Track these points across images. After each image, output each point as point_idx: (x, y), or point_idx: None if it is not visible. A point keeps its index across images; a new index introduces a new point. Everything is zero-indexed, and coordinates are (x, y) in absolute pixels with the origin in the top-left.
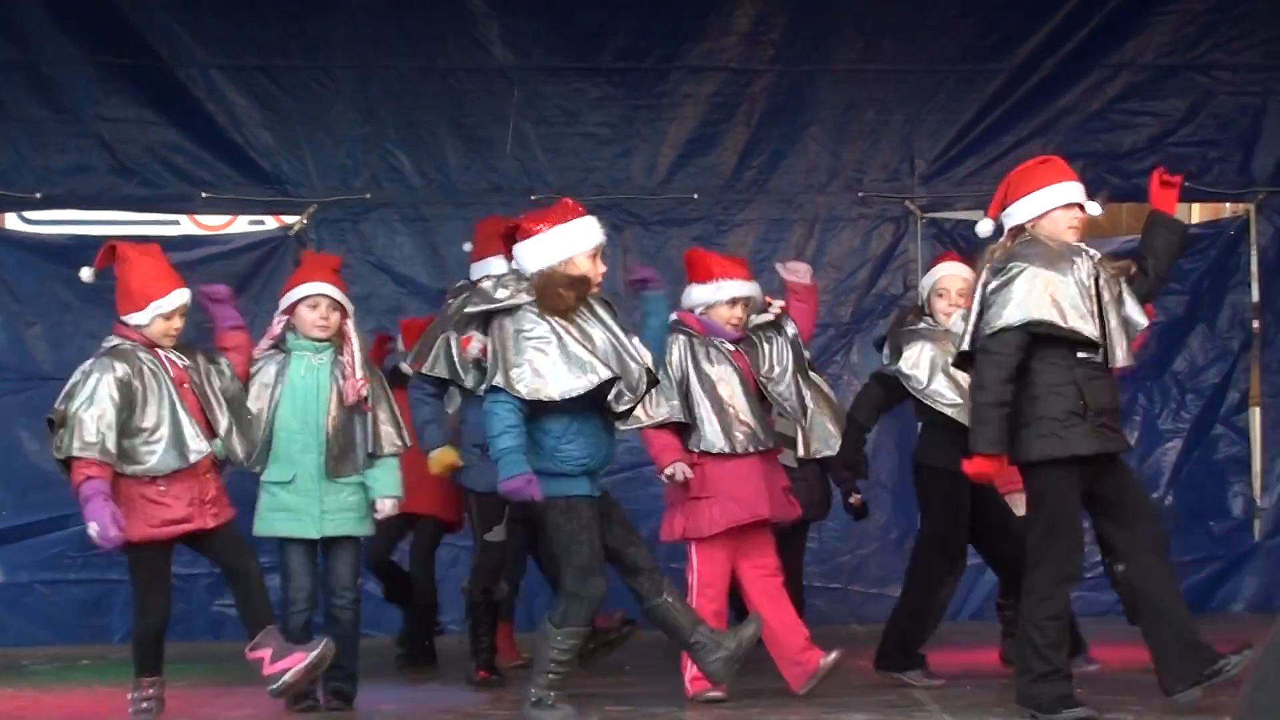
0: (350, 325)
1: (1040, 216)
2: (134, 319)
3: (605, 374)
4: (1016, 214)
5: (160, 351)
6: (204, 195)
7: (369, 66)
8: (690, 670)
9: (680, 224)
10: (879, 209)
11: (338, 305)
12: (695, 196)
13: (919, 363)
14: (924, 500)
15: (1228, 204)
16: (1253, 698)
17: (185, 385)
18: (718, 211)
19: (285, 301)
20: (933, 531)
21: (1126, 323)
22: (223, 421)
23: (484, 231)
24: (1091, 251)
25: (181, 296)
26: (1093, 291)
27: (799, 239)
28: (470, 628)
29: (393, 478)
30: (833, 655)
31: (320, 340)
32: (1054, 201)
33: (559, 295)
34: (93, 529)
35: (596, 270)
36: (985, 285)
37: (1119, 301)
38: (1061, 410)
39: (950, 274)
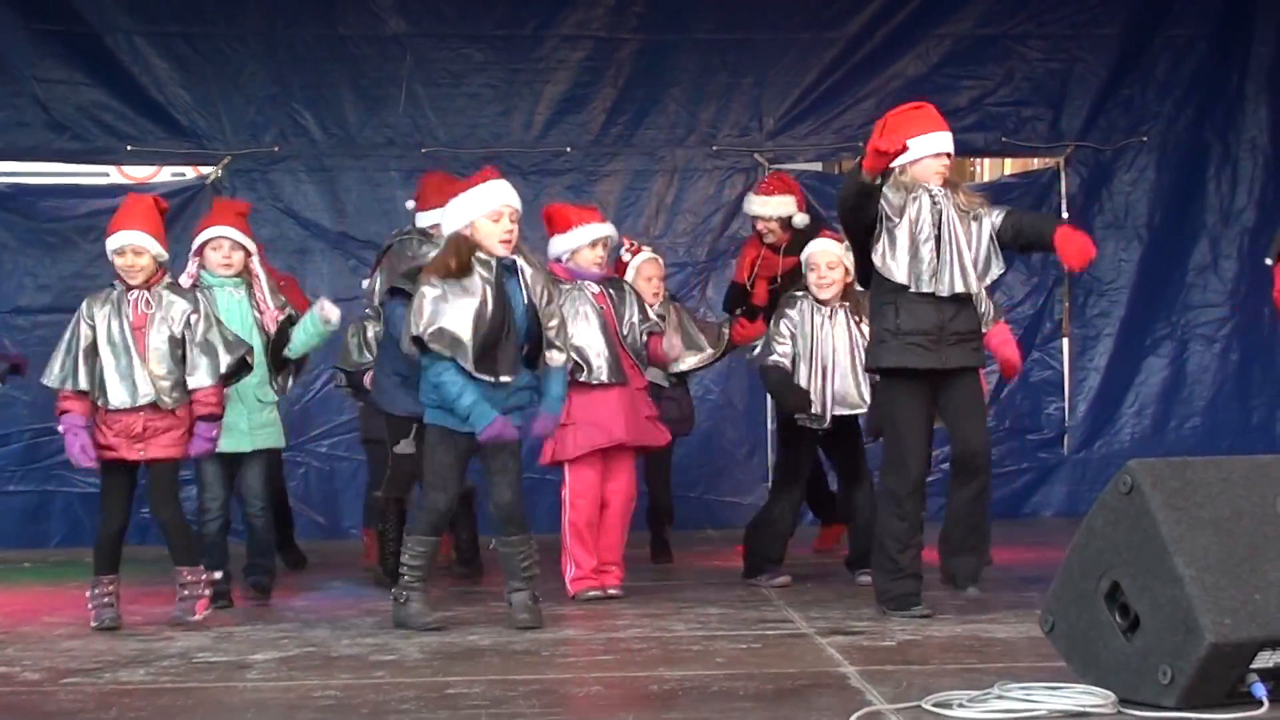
0: (255, 263)
1: (912, 163)
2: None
3: (467, 339)
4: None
5: (133, 294)
6: (129, 148)
7: (277, 33)
8: (570, 571)
9: (555, 174)
10: (731, 161)
11: (240, 246)
12: (568, 150)
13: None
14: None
15: (1038, 158)
16: (1059, 592)
17: (140, 330)
18: (588, 163)
19: (195, 244)
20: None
21: (962, 255)
22: (165, 366)
23: (429, 186)
24: (934, 191)
25: (120, 239)
26: (924, 229)
27: (660, 188)
28: (380, 531)
29: (303, 326)
30: (595, 593)
31: (227, 277)
32: (925, 150)
33: (444, 262)
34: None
35: (499, 233)
36: None
37: (966, 237)
38: (879, 328)
39: (820, 249)
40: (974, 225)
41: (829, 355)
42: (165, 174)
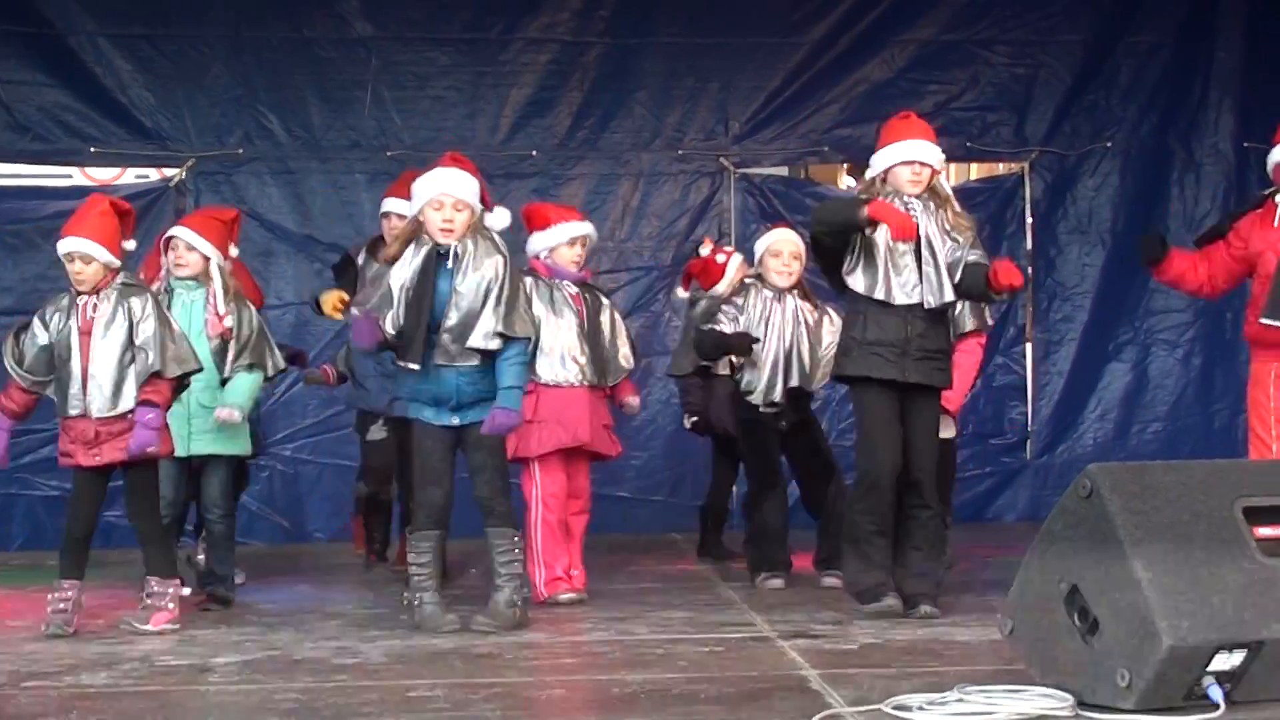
0: (213, 266)
1: (887, 171)
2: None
3: (390, 330)
4: (874, 165)
5: (82, 299)
6: (92, 150)
7: (242, 36)
8: (541, 574)
9: (520, 178)
10: (697, 165)
11: (193, 248)
12: (534, 154)
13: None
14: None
15: (1003, 163)
16: (1019, 596)
17: (87, 335)
18: (553, 167)
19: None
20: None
21: (937, 270)
22: (111, 370)
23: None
24: (912, 203)
25: (68, 245)
26: (900, 242)
27: (626, 191)
28: (366, 522)
29: (241, 389)
30: (568, 596)
31: (184, 279)
32: (895, 158)
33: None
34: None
35: (438, 221)
36: None
37: (942, 253)
38: (846, 336)
39: (784, 238)
40: (953, 244)
41: (779, 340)
42: (129, 176)
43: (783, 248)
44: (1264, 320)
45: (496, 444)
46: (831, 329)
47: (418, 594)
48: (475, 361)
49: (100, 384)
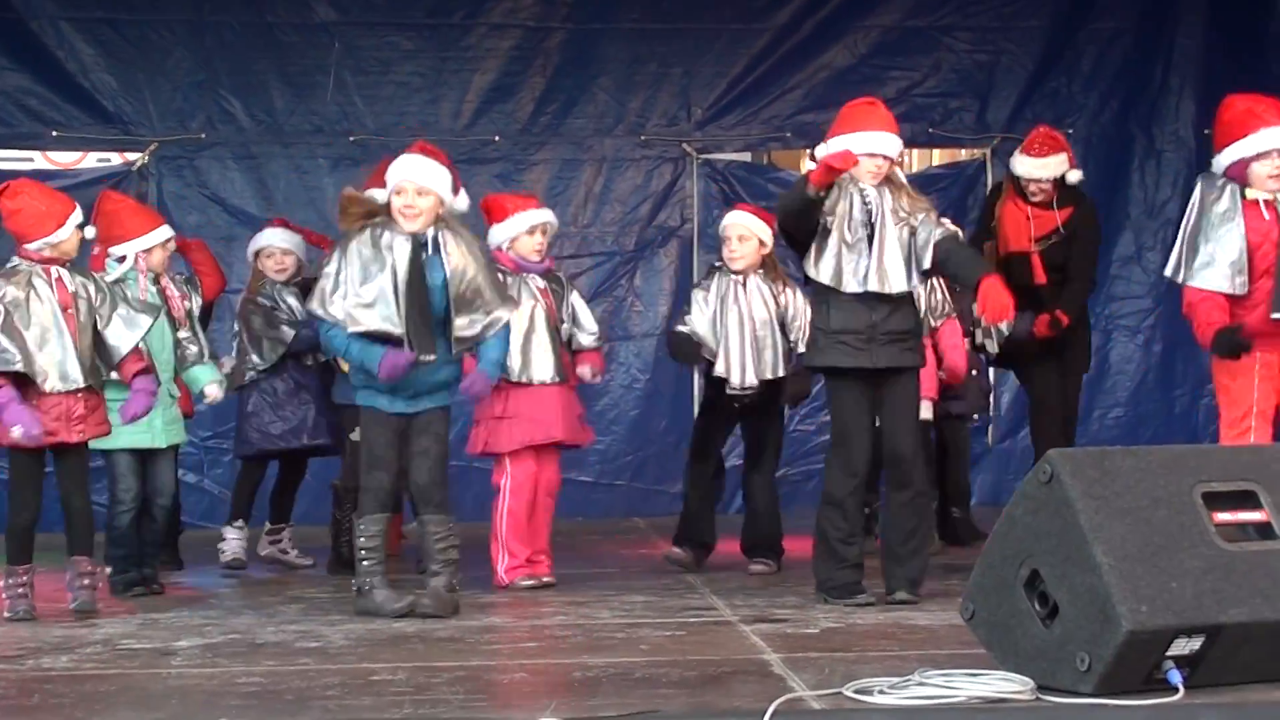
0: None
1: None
2: (56, 236)
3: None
4: (832, 148)
5: (54, 272)
6: (55, 134)
7: (204, 20)
8: (503, 561)
9: (483, 163)
10: (659, 151)
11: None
12: (496, 139)
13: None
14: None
15: (965, 149)
16: (980, 581)
17: (69, 310)
18: (516, 152)
19: (145, 243)
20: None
21: (892, 256)
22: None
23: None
24: (867, 190)
25: (80, 212)
26: (856, 229)
27: (588, 177)
28: (335, 519)
29: (209, 373)
30: (528, 582)
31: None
32: (860, 149)
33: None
34: (16, 431)
35: (401, 204)
36: None
37: (898, 239)
38: (814, 326)
39: (732, 222)
40: (907, 232)
41: (738, 324)
42: (91, 160)
43: (731, 232)
44: (1276, 315)
45: (441, 432)
46: (799, 305)
47: (367, 579)
48: (445, 352)
49: (83, 358)
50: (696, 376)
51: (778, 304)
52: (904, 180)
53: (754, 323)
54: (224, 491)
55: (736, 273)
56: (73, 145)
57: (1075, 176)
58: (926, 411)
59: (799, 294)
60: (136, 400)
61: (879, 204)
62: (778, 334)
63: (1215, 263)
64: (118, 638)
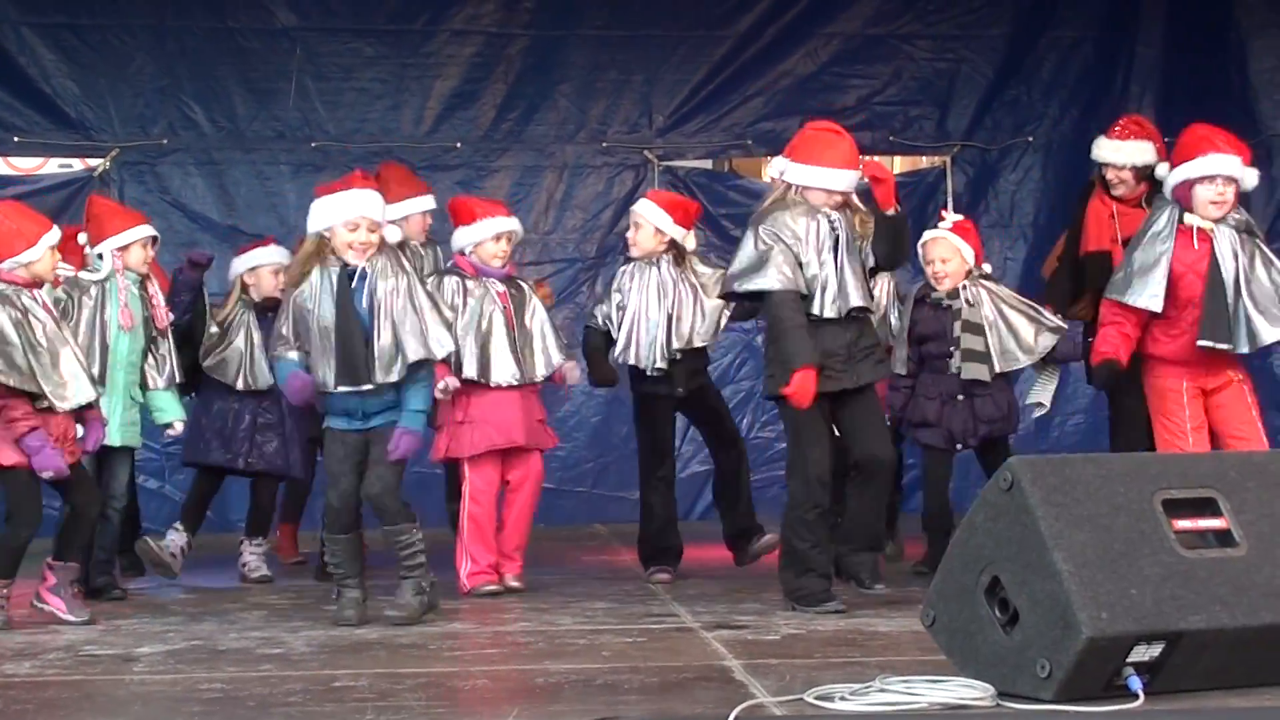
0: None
1: (806, 189)
2: (26, 256)
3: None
4: (793, 175)
5: (38, 295)
6: (15, 139)
7: (166, 25)
8: (465, 566)
9: (445, 169)
10: (621, 158)
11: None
12: (458, 145)
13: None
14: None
15: (925, 157)
16: (940, 587)
17: (63, 330)
18: (478, 159)
19: (119, 240)
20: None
21: (858, 274)
22: (77, 360)
23: (392, 178)
24: (832, 216)
25: (58, 233)
26: (825, 254)
27: (550, 184)
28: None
29: (175, 400)
30: (489, 588)
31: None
32: (821, 183)
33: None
34: (48, 475)
35: (357, 240)
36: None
37: (860, 257)
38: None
39: (633, 209)
40: (861, 248)
41: (653, 307)
42: (52, 165)
43: (632, 219)
44: (1202, 343)
45: None
46: (709, 280)
47: (337, 588)
48: (387, 384)
49: (81, 374)
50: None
51: (682, 285)
52: (856, 201)
53: (668, 305)
54: (184, 497)
55: (636, 259)
56: (34, 151)
57: (1162, 170)
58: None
59: (699, 269)
60: (92, 430)
61: (844, 230)
62: (687, 314)
63: (1136, 278)
64: (80, 644)
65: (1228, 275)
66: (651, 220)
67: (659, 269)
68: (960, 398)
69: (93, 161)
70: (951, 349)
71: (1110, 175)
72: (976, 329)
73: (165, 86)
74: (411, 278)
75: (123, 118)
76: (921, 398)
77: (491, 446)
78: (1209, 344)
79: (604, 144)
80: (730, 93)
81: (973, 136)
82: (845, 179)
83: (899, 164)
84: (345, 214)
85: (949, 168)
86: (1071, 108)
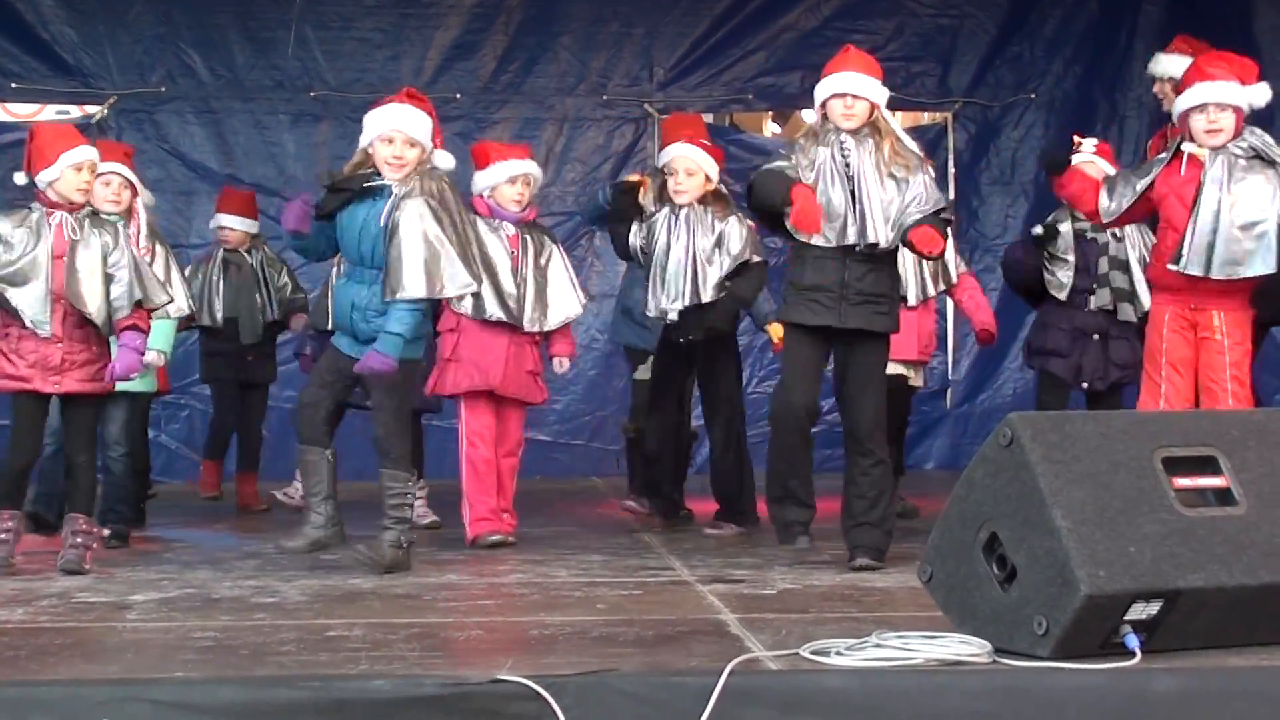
0: (139, 203)
1: (822, 105)
2: (46, 175)
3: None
4: (815, 100)
5: (56, 217)
6: (14, 86)
7: None
8: (467, 513)
9: (445, 121)
10: (621, 111)
11: (129, 184)
12: (458, 97)
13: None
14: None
15: (927, 113)
16: (938, 543)
17: (61, 257)
18: (478, 110)
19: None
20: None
21: (871, 208)
22: (95, 296)
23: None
24: (845, 140)
25: (89, 153)
26: (832, 181)
27: (550, 136)
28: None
29: (164, 332)
30: (494, 538)
31: (112, 214)
32: (826, 91)
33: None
34: None
35: (390, 154)
36: None
37: (881, 191)
38: (787, 282)
39: (679, 154)
40: (891, 183)
41: (683, 254)
42: (50, 112)
43: (678, 165)
44: (1170, 266)
45: (394, 383)
46: (741, 236)
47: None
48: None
49: (66, 309)
50: None
51: (714, 233)
52: (894, 128)
53: (694, 254)
54: (181, 446)
55: (680, 206)
56: (31, 97)
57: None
58: (918, 377)
59: (737, 222)
60: (121, 356)
61: (857, 155)
62: (712, 267)
63: (1119, 181)
64: (74, 591)
65: (1208, 203)
66: (705, 167)
67: (699, 218)
68: (1095, 336)
69: (90, 109)
70: (1094, 285)
71: (1156, 89)
72: (1123, 265)
73: (164, 34)
74: (438, 210)
75: (121, 65)
76: (1053, 328)
77: (471, 387)
78: (1176, 268)
79: (604, 97)
80: (732, 47)
81: (975, 93)
82: (853, 80)
83: (901, 120)
84: (380, 127)
85: (951, 124)
86: (1075, 65)
